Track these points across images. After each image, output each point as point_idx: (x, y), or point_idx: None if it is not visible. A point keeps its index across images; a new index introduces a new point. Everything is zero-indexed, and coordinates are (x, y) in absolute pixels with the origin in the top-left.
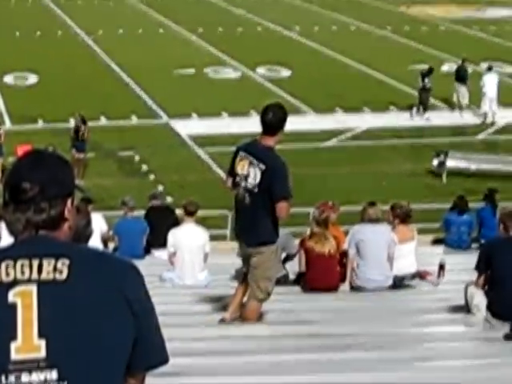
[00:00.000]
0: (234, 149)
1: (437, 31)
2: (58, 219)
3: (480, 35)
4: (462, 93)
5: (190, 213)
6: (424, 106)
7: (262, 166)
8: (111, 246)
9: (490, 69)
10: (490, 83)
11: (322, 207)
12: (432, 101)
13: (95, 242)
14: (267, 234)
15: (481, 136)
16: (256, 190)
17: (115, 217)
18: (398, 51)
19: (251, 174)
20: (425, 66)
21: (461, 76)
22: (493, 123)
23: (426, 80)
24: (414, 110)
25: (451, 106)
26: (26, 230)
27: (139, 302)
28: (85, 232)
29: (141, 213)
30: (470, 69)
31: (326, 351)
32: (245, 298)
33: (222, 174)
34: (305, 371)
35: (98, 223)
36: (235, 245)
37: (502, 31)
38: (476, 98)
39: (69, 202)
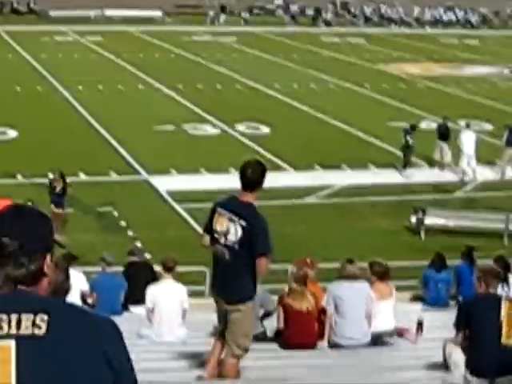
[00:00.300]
0: (212, 205)
1: (415, 88)
2: (38, 274)
3: (457, 92)
4: (445, 150)
5: (168, 268)
6: (405, 163)
7: (243, 223)
8: (89, 301)
9: (467, 126)
10: (468, 140)
11: (300, 264)
12: (412, 158)
13: (74, 299)
14: (246, 291)
15: (459, 193)
16: (236, 246)
17: (94, 272)
18: (377, 108)
19: (231, 230)
20: (403, 124)
21: (443, 134)
22: (472, 180)
23: (409, 137)
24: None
25: (430, 162)
26: (4, 284)
27: (118, 358)
28: (63, 287)
29: (119, 269)
30: (450, 126)
31: None
32: (222, 355)
33: (201, 230)
34: None
35: (78, 280)
36: (213, 301)
37: (479, 88)
38: (454, 155)
39: (48, 257)
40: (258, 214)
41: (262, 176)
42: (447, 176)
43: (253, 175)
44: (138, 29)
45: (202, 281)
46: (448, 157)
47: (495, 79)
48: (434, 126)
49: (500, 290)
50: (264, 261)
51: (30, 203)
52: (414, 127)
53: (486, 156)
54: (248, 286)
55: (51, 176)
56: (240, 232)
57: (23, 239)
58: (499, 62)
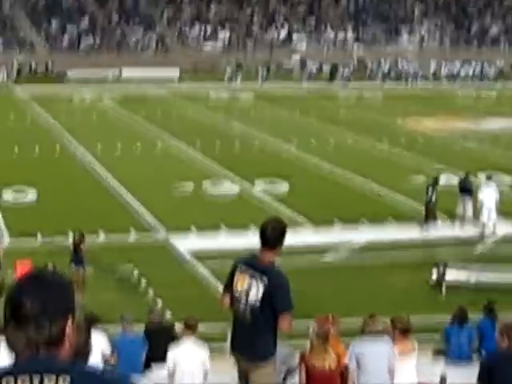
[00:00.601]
0: (232, 264)
1: (432, 143)
2: (59, 337)
3: (476, 146)
4: (469, 205)
5: (189, 327)
6: (427, 217)
7: (265, 280)
8: (111, 361)
9: (488, 179)
10: (489, 194)
11: (322, 321)
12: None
13: (95, 361)
14: (268, 349)
15: (480, 247)
16: (258, 304)
17: (114, 332)
18: (395, 163)
19: (253, 288)
20: (422, 178)
21: (465, 188)
22: (493, 233)
23: (431, 191)
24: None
25: (451, 217)
26: (26, 348)
27: None
28: (84, 349)
29: (140, 328)
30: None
31: None
32: None
33: (221, 289)
34: None
35: (100, 342)
36: (234, 360)
37: (497, 141)
38: (475, 209)
39: (69, 319)
40: (280, 271)
41: (282, 234)
42: (468, 230)
43: (272, 233)
44: (155, 87)
45: (224, 339)
46: (470, 211)
47: None
48: (452, 180)
49: None
50: (287, 318)
51: (50, 266)
52: (436, 181)
53: (506, 209)
54: (269, 344)
55: (71, 235)
56: (261, 290)
57: (44, 304)
58: None
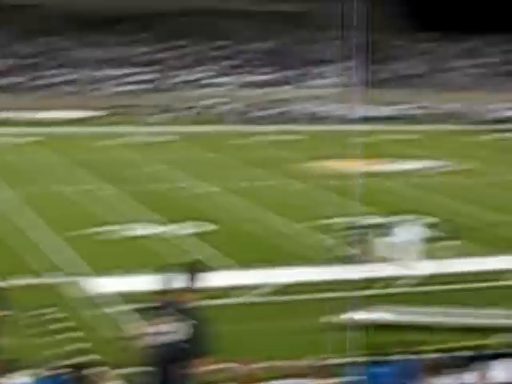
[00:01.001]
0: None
1: (349, 185)
2: None
3: (393, 188)
4: (385, 246)
5: (105, 373)
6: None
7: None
8: None
9: (409, 220)
10: (409, 234)
11: (243, 364)
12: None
13: None
14: None
15: (400, 288)
16: None
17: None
18: (313, 205)
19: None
20: (341, 220)
21: (382, 230)
22: (415, 274)
23: (350, 232)
24: None
25: (367, 257)
26: None
27: None
28: None
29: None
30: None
31: None
32: None
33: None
34: None
35: None
36: None
37: (413, 183)
38: (395, 250)
39: None
40: None
41: None
42: (386, 271)
43: None
44: (73, 130)
45: None
46: (387, 252)
47: (431, 173)
48: (370, 221)
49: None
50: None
51: None
52: (354, 223)
53: (428, 249)
54: None
55: None
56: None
57: None
58: (433, 156)
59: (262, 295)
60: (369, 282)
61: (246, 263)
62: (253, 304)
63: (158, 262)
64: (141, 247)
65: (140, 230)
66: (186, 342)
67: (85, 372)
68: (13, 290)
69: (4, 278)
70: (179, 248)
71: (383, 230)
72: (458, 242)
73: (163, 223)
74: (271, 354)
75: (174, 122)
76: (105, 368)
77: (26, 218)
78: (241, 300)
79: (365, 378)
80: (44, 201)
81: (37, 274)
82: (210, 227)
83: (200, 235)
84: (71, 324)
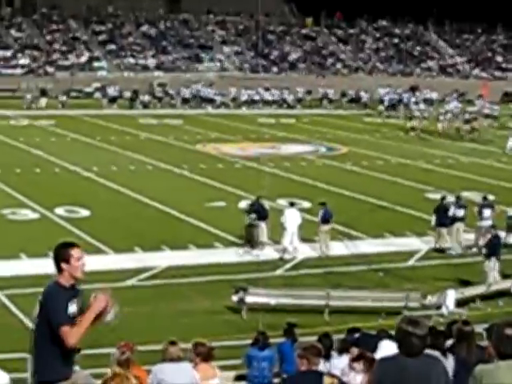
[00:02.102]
0: (33, 290)
1: (233, 168)
2: None
3: (275, 171)
4: (262, 229)
5: None
6: (250, 241)
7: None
8: None
9: (291, 204)
10: (292, 218)
11: (122, 348)
12: (231, 237)
13: None
14: None
15: (279, 271)
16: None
17: None
18: (196, 189)
19: None
20: (222, 204)
21: (259, 213)
22: (293, 258)
23: (253, 216)
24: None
25: (249, 242)
26: None
27: None
28: None
29: None
30: (266, 205)
31: None
32: None
33: (22, 317)
34: None
35: None
36: None
37: (296, 166)
38: (276, 233)
39: None
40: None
41: (55, 258)
42: (265, 254)
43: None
44: None
45: (24, 368)
46: (264, 237)
47: (311, 157)
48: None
49: (322, 366)
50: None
51: None
52: (253, 204)
53: (305, 233)
54: None
55: None
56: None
57: None
58: (315, 139)
59: (144, 279)
60: (255, 265)
61: (122, 248)
62: (137, 287)
63: (33, 247)
64: (15, 232)
65: (14, 215)
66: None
67: None
68: None
69: None
70: (60, 231)
71: (265, 213)
72: (332, 226)
73: (44, 207)
74: (155, 337)
75: (56, 105)
76: None
77: None
78: (125, 283)
79: (244, 360)
80: None
81: None
82: (85, 213)
83: (74, 220)
84: None
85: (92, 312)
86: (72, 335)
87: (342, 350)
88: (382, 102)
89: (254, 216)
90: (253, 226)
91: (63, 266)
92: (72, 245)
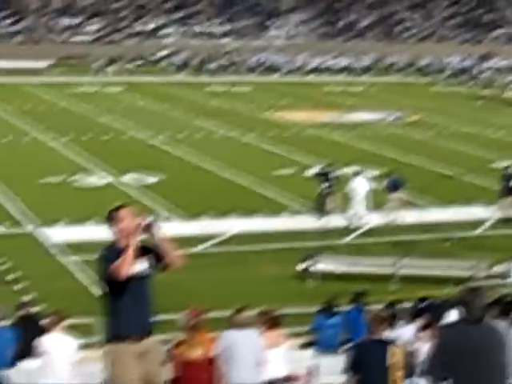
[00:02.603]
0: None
1: (300, 136)
2: None
3: (342, 139)
4: (333, 196)
5: (55, 320)
6: (320, 209)
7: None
8: None
9: (358, 172)
10: (359, 187)
11: (192, 313)
12: (298, 205)
13: None
14: None
15: (347, 239)
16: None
17: None
18: (264, 156)
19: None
20: (290, 171)
21: (329, 179)
22: (361, 226)
23: (325, 184)
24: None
25: (319, 209)
26: None
27: None
28: None
29: (10, 322)
30: (335, 173)
31: None
32: None
33: (90, 282)
34: None
35: None
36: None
37: (364, 135)
38: (344, 202)
39: None
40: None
41: (107, 219)
42: (334, 221)
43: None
44: (23, 80)
45: (92, 332)
46: (332, 204)
47: (380, 125)
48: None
49: (388, 335)
50: None
51: None
52: (326, 173)
53: (373, 202)
54: None
55: None
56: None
57: None
58: (383, 108)
59: (213, 246)
60: (322, 233)
61: (190, 215)
62: (205, 254)
63: (101, 213)
64: (84, 199)
65: (83, 181)
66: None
67: (37, 321)
68: None
69: None
70: (128, 198)
71: (335, 181)
72: (400, 194)
73: (112, 173)
74: (222, 304)
75: (125, 72)
76: (56, 316)
77: None
78: (193, 250)
79: (312, 327)
80: None
81: None
82: (153, 179)
83: (142, 187)
84: (23, 274)
85: (132, 244)
86: (119, 265)
87: (409, 319)
88: (450, 70)
89: (326, 184)
90: (324, 193)
91: (113, 228)
92: (119, 207)
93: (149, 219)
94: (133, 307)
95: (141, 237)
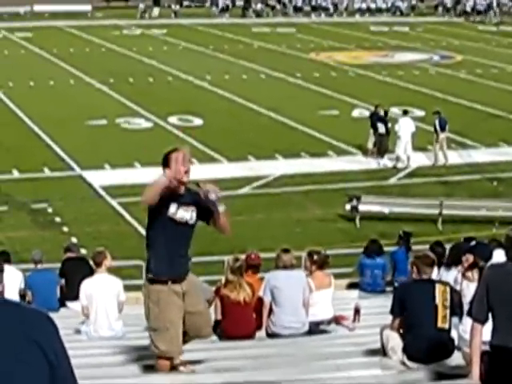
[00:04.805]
0: None
1: (346, 77)
2: None
3: (389, 80)
4: (383, 138)
5: (97, 264)
6: (380, 150)
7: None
8: (26, 298)
9: (405, 113)
10: (405, 127)
11: (237, 255)
12: (344, 146)
13: (12, 296)
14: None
15: (393, 180)
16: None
17: (29, 270)
18: (309, 97)
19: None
20: (335, 112)
21: (377, 121)
22: (406, 167)
23: (380, 124)
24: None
25: (363, 150)
26: None
27: (54, 352)
28: None
29: (55, 265)
30: (386, 114)
31: None
32: None
33: (136, 225)
34: None
35: (16, 279)
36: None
37: (410, 75)
38: (390, 142)
39: None
40: None
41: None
42: (383, 162)
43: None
44: (67, 24)
45: (138, 275)
46: (384, 145)
47: (425, 65)
48: (365, 113)
49: (435, 275)
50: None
51: None
52: (386, 113)
53: (419, 142)
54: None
55: None
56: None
57: None
58: (429, 47)
59: (257, 187)
60: (368, 174)
61: (235, 157)
62: (251, 195)
63: (146, 155)
64: (129, 141)
65: (128, 124)
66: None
67: (84, 263)
68: (11, 184)
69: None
70: (173, 140)
71: (387, 122)
72: (446, 135)
73: (157, 115)
74: (268, 245)
75: (169, 14)
76: (102, 258)
77: (25, 112)
78: (239, 191)
79: (357, 268)
80: (39, 95)
81: (34, 168)
82: (198, 121)
83: (187, 129)
84: (70, 216)
85: (168, 176)
86: (145, 190)
87: (456, 259)
88: (497, 9)
89: (381, 125)
90: (381, 134)
91: (166, 170)
92: (174, 150)
93: (207, 190)
94: (173, 250)
95: (189, 185)
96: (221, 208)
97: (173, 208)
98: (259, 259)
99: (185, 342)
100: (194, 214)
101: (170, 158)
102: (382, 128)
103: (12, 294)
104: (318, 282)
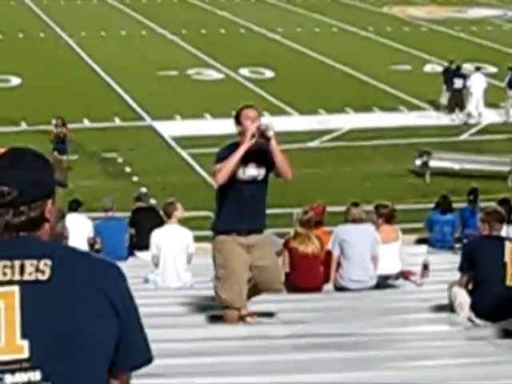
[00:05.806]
0: (216, 150)
1: (418, 32)
2: (39, 220)
3: (462, 35)
4: (458, 94)
5: (168, 214)
6: (456, 105)
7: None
8: (95, 246)
9: (477, 69)
10: (477, 83)
11: (306, 208)
12: (415, 101)
13: (80, 245)
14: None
15: (464, 136)
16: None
17: (99, 218)
18: (381, 52)
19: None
20: (407, 67)
21: (450, 77)
22: (478, 123)
23: (457, 79)
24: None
25: (435, 106)
26: (5, 231)
27: (122, 302)
28: (58, 232)
29: (125, 214)
30: (463, 70)
31: (309, 351)
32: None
33: (206, 176)
34: (289, 371)
35: (85, 226)
36: None
37: (483, 31)
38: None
39: (49, 202)
40: None
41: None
42: (453, 119)
43: None
44: None
45: (208, 225)
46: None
47: (499, 21)
48: (438, 69)
49: (504, 232)
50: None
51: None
52: (458, 68)
53: (491, 99)
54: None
55: (53, 122)
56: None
57: (22, 187)
58: (503, 4)
59: (327, 141)
60: (439, 130)
61: (306, 110)
62: (321, 148)
63: (217, 107)
64: (200, 92)
65: (199, 75)
66: None
67: (154, 213)
68: (82, 133)
69: (62, 123)
70: (244, 93)
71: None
72: None
73: (228, 67)
74: (337, 199)
75: None
76: (172, 208)
77: (97, 62)
78: (309, 145)
79: (426, 223)
80: (111, 45)
81: (105, 118)
82: (269, 74)
83: (259, 81)
84: (140, 166)
85: (242, 148)
86: (218, 172)
87: None
88: None
89: (458, 80)
90: (458, 89)
91: (237, 127)
92: (245, 106)
93: (264, 124)
94: (241, 207)
95: (256, 141)
96: (270, 133)
97: (241, 169)
98: (321, 212)
99: (256, 294)
100: (262, 171)
101: (240, 115)
102: (458, 83)
103: (81, 242)
104: (385, 236)
